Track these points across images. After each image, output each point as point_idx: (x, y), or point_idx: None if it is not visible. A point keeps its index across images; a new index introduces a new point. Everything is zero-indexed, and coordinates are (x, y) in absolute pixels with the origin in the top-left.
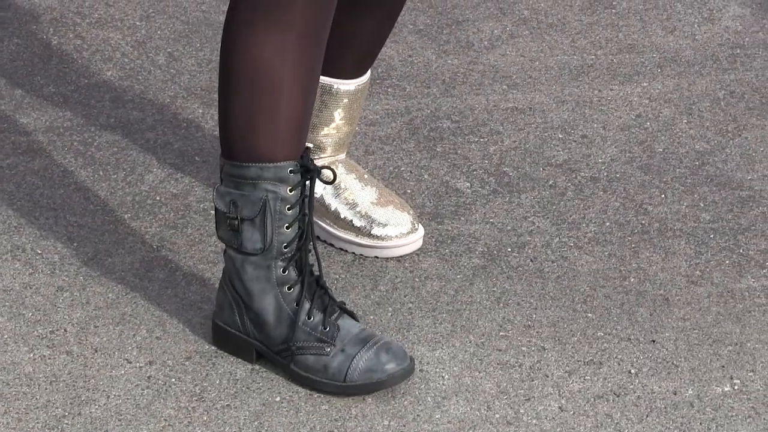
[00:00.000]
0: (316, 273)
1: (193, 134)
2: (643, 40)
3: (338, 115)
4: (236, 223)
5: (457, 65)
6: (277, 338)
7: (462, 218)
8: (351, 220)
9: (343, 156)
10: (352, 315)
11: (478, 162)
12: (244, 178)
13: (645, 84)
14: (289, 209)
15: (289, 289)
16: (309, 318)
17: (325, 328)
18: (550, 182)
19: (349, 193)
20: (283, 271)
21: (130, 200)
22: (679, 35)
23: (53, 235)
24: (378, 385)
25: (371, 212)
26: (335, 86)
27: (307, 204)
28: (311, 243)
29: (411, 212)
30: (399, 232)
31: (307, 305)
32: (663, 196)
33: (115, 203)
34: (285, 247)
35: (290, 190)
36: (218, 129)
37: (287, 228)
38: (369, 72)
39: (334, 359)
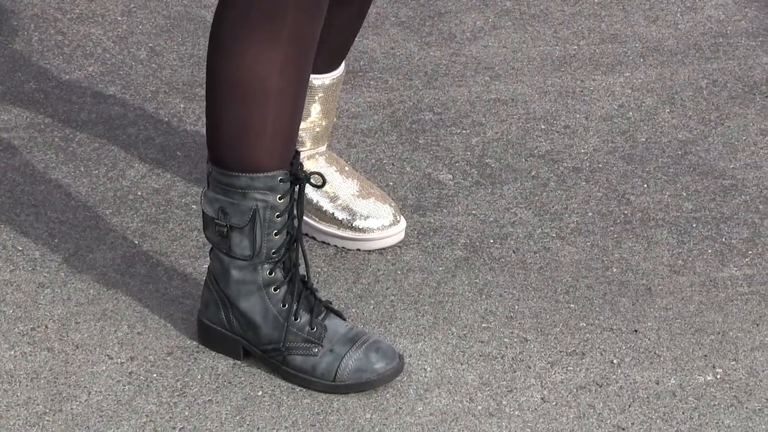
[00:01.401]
0: (303, 274)
1: (175, 129)
2: (626, 29)
3: (314, 109)
4: (225, 230)
5: (439, 57)
6: (264, 338)
7: (444, 210)
8: (333, 213)
9: (323, 148)
10: (339, 314)
11: (461, 154)
12: (234, 186)
13: (627, 74)
14: (278, 217)
15: (275, 290)
16: (296, 319)
17: (312, 329)
18: (533, 173)
19: (330, 185)
20: (270, 273)
21: (112, 196)
22: (661, 24)
23: (34, 231)
24: (368, 384)
25: (353, 205)
26: (310, 81)
27: (297, 209)
28: (300, 246)
29: (393, 204)
30: (381, 224)
31: (293, 306)
32: (645, 185)
33: (97, 199)
34: (273, 253)
35: (280, 198)
36: (205, 134)
37: (276, 235)
38: (343, 64)
39: (323, 359)
